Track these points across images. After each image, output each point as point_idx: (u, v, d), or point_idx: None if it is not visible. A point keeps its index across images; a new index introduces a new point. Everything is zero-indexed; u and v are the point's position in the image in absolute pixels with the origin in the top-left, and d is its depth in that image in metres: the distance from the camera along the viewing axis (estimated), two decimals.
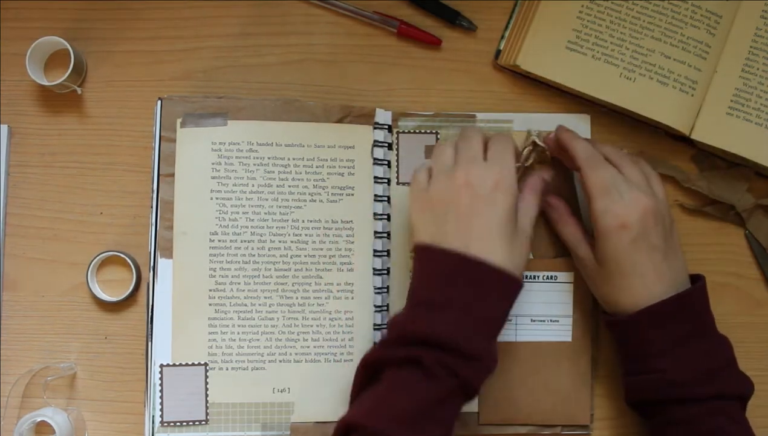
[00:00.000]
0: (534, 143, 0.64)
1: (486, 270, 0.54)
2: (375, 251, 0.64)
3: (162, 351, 0.62)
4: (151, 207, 0.63)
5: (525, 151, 0.64)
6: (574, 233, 0.62)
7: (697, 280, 0.60)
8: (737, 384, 0.58)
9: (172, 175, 0.63)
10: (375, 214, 0.65)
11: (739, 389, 0.58)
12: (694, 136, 0.65)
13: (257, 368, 0.63)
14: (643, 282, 0.57)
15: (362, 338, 0.64)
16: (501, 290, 0.55)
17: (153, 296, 0.62)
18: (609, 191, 0.57)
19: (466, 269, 0.54)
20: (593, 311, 0.65)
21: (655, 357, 0.57)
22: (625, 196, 0.57)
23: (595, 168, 0.58)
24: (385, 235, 0.65)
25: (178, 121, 0.63)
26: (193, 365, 0.62)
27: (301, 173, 0.64)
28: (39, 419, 0.63)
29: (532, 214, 0.59)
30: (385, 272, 0.65)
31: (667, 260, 0.58)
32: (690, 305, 0.58)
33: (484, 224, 0.55)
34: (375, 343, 0.64)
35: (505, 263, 0.55)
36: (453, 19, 0.68)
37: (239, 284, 0.63)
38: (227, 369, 0.62)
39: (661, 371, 0.57)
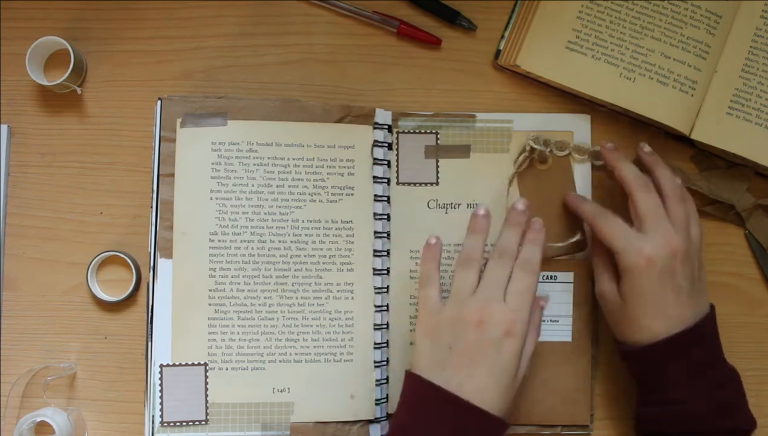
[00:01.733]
0: (531, 149, 0.64)
1: (475, 416, 0.53)
2: (375, 250, 0.64)
3: (162, 351, 0.62)
4: (151, 207, 0.63)
5: (521, 158, 0.64)
6: (599, 264, 0.62)
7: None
8: (748, 419, 0.58)
9: (172, 175, 0.63)
10: (375, 214, 0.65)
11: (750, 424, 0.58)
12: (694, 136, 0.65)
13: (257, 368, 0.63)
14: (665, 319, 0.57)
15: (362, 338, 0.64)
16: (485, 433, 0.54)
17: (153, 296, 0.62)
18: (644, 222, 0.58)
19: (457, 411, 0.54)
20: (593, 311, 0.65)
21: (674, 388, 0.57)
22: (658, 232, 0.57)
23: (642, 192, 0.59)
24: (385, 235, 0.65)
25: (178, 121, 0.63)
26: (192, 365, 0.62)
27: (300, 173, 0.64)
28: (39, 419, 0.63)
29: (530, 354, 0.58)
30: (385, 271, 0.65)
31: (692, 302, 0.58)
32: (703, 334, 0.58)
33: (486, 370, 0.54)
34: (375, 343, 0.64)
35: (495, 408, 0.54)
36: (453, 19, 0.68)
37: (239, 284, 0.63)
38: (227, 369, 0.62)
39: (680, 403, 0.57)
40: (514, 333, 0.55)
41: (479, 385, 0.54)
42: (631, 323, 0.58)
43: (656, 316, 0.57)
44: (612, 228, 0.59)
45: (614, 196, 0.66)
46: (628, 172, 0.60)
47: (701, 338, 0.58)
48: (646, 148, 0.63)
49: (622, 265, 0.58)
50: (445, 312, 0.57)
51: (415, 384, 0.56)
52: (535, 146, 0.64)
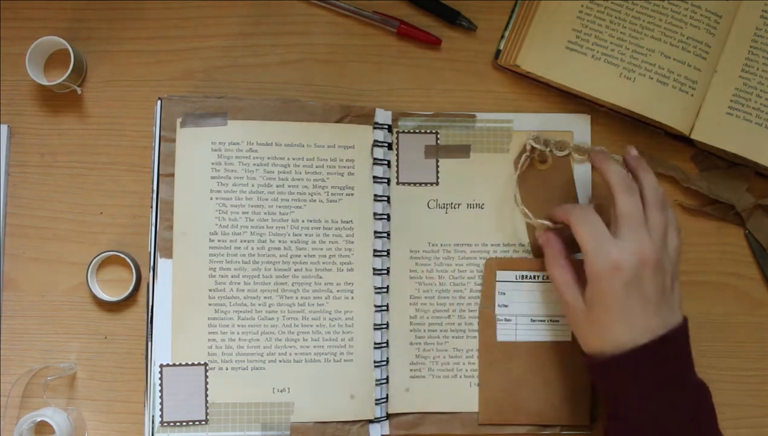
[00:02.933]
0: (531, 148, 0.64)
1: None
2: (375, 250, 0.64)
3: (162, 351, 0.62)
4: (151, 207, 0.63)
5: (522, 158, 0.64)
6: (564, 275, 0.59)
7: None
8: None
9: (172, 175, 0.63)
10: (375, 214, 0.65)
11: None
12: (694, 136, 0.65)
13: (257, 368, 0.63)
14: (630, 329, 0.55)
15: (362, 338, 0.64)
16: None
17: (153, 296, 0.62)
18: (621, 226, 0.56)
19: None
20: None
21: (639, 402, 0.55)
22: (632, 238, 0.55)
23: (624, 194, 0.57)
24: (385, 235, 0.65)
25: (178, 121, 0.63)
26: (192, 365, 0.62)
27: (300, 173, 0.64)
28: (39, 419, 0.63)
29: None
30: (385, 271, 0.65)
31: (660, 314, 0.55)
32: (671, 347, 0.56)
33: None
34: (375, 343, 0.64)
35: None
36: (453, 19, 0.68)
37: (239, 283, 0.63)
38: (227, 369, 0.62)
39: (644, 419, 0.54)
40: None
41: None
42: (596, 332, 0.56)
43: (621, 325, 0.55)
44: (587, 227, 0.56)
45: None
46: (613, 173, 0.58)
47: (669, 351, 0.55)
48: (633, 151, 0.61)
49: (589, 268, 0.55)
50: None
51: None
52: (536, 146, 0.65)
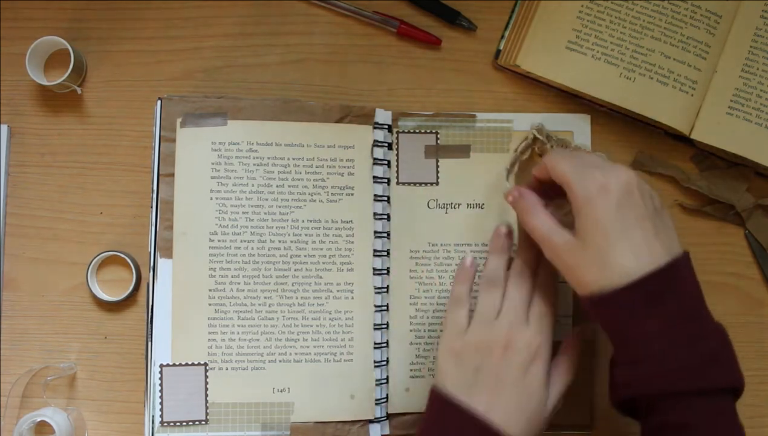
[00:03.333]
0: (534, 138, 0.64)
1: None
2: (375, 250, 0.64)
3: (162, 351, 0.62)
4: (151, 207, 0.63)
5: (523, 145, 0.64)
6: (548, 220, 0.55)
7: None
8: (736, 376, 0.52)
9: (172, 175, 0.63)
10: (375, 214, 0.65)
11: (738, 382, 0.52)
12: (693, 136, 0.65)
13: (257, 368, 0.63)
14: (634, 253, 0.50)
15: (362, 338, 0.64)
16: None
17: (153, 296, 0.62)
18: (586, 167, 0.53)
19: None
20: None
21: (649, 340, 0.50)
22: (611, 167, 0.53)
23: (570, 158, 0.55)
24: (385, 235, 0.65)
25: (178, 121, 0.63)
26: (192, 365, 0.62)
27: (300, 173, 0.64)
28: (39, 419, 0.63)
29: (563, 387, 0.57)
30: (385, 271, 0.65)
31: (660, 237, 0.52)
32: (679, 278, 0.52)
33: (513, 396, 0.54)
34: (375, 343, 0.64)
35: (522, 433, 0.53)
36: (453, 19, 0.68)
37: (239, 283, 0.63)
38: (227, 369, 0.62)
39: (655, 357, 0.50)
40: (540, 357, 0.55)
41: (506, 410, 0.53)
42: (596, 264, 0.51)
43: (622, 248, 0.50)
44: (566, 160, 0.54)
45: None
46: (562, 163, 0.54)
47: (679, 282, 0.51)
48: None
49: (576, 199, 0.52)
50: (471, 335, 0.56)
51: (441, 404, 0.55)
52: (538, 136, 0.64)
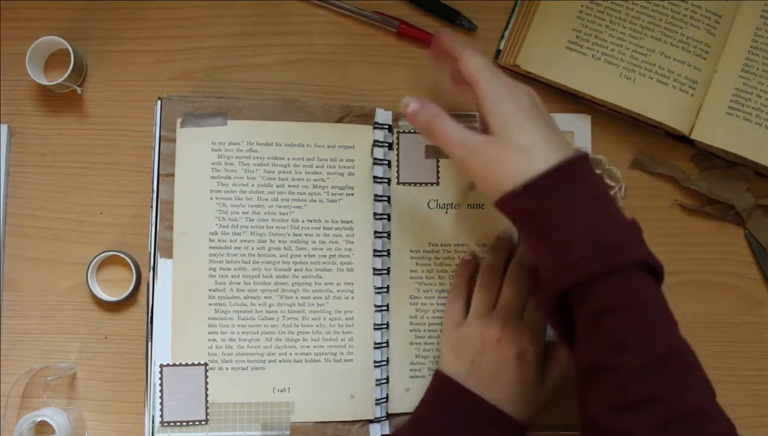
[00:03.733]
0: None
1: (502, 419, 0.58)
2: (375, 250, 0.64)
3: (162, 351, 0.62)
4: (151, 207, 0.63)
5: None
6: (456, 125, 0.54)
7: None
8: (650, 254, 0.50)
9: (172, 175, 0.63)
10: (375, 214, 0.65)
11: (656, 261, 0.50)
12: (693, 136, 0.65)
13: (257, 368, 0.63)
14: (547, 141, 0.51)
15: (362, 338, 0.64)
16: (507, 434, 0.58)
17: (153, 296, 0.62)
18: (496, 73, 0.54)
19: (483, 414, 0.58)
20: None
21: (575, 222, 0.49)
22: (511, 79, 0.55)
23: (482, 59, 0.55)
24: (385, 235, 0.65)
25: (178, 121, 0.63)
26: (193, 365, 0.62)
27: (300, 173, 0.64)
28: (39, 419, 0.63)
29: (561, 368, 0.60)
30: (385, 271, 0.65)
31: (561, 135, 0.53)
32: (590, 166, 0.52)
33: (506, 385, 0.58)
34: (375, 343, 0.64)
35: (518, 413, 0.58)
36: (453, 19, 0.68)
37: (239, 283, 0.63)
38: (227, 369, 0.62)
39: (585, 233, 0.49)
40: (532, 348, 0.59)
41: (502, 395, 0.58)
42: (518, 154, 0.51)
43: (539, 140, 0.51)
44: (478, 61, 0.54)
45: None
46: (475, 61, 0.55)
47: (589, 168, 0.52)
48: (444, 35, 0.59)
49: (488, 98, 0.53)
50: (466, 328, 0.61)
51: (445, 384, 0.60)
52: None
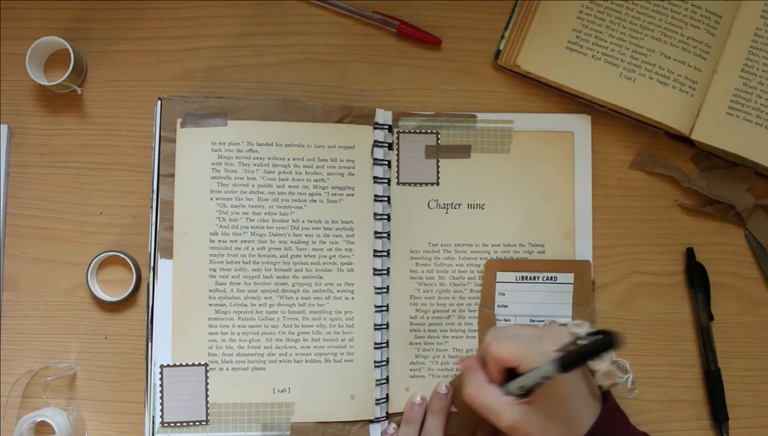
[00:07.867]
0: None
1: None
2: (375, 251, 0.64)
3: (162, 351, 0.62)
4: (151, 207, 0.63)
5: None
6: (494, 395, 0.56)
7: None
8: None
9: (172, 175, 0.63)
10: (375, 214, 0.65)
11: None
12: (693, 137, 0.65)
13: (257, 368, 0.63)
14: (584, 406, 0.55)
15: (362, 338, 0.64)
16: None
17: (153, 296, 0.62)
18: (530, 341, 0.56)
19: None
20: (593, 311, 0.65)
21: None
22: (544, 336, 0.56)
23: (511, 338, 0.56)
24: (385, 235, 0.65)
25: (178, 121, 0.63)
26: (193, 365, 0.62)
27: (301, 173, 0.64)
28: (39, 419, 0.63)
29: None
30: (385, 271, 0.65)
31: (592, 404, 0.56)
32: (613, 418, 0.56)
33: None
34: (375, 343, 0.64)
35: None
36: None
37: (239, 284, 0.63)
38: (227, 369, 0.62)
39: None
40: None
41: None
42: (561, 424, 0.54)
43: (578, 408, 0.55)
44: (509, 344, 0.55)
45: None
46: (508, 348, 0.55)
47: (616, 418, 0.56)
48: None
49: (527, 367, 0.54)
50: None
51: None
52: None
